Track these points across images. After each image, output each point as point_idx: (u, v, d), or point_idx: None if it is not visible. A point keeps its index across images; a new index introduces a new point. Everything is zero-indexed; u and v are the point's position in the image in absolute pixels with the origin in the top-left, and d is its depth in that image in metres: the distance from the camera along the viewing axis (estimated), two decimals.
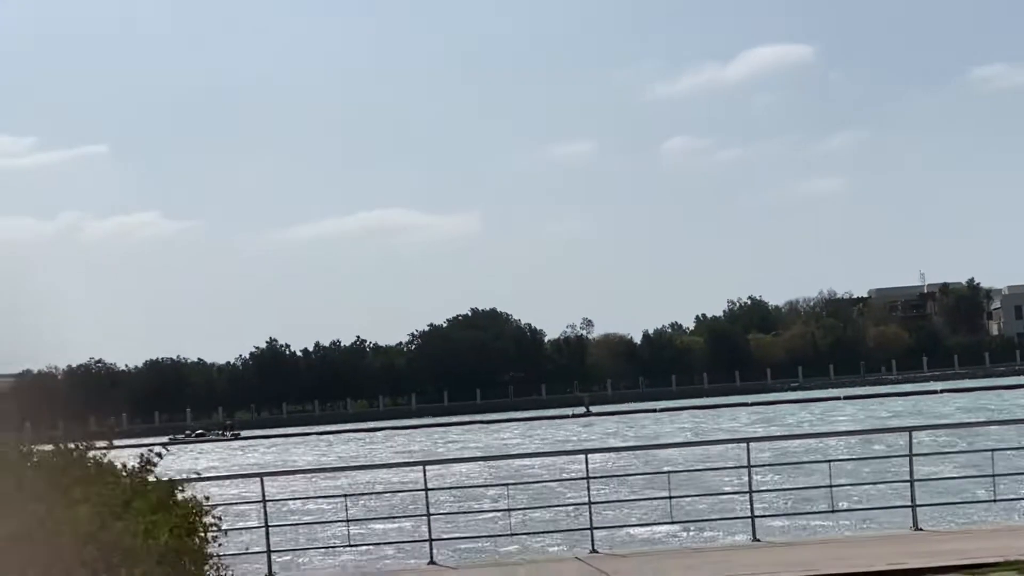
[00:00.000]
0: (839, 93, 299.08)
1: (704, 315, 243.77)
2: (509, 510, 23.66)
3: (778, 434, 67.96)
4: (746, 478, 21.44)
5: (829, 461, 23.06)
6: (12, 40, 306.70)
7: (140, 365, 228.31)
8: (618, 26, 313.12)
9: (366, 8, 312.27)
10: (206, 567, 12.97)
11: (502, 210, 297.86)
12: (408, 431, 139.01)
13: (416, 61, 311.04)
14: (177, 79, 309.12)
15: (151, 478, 14.30)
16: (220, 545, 14.04)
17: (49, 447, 15.16)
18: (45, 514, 10.77)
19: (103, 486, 13.18)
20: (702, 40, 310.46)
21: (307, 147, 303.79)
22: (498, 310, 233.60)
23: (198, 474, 17.12)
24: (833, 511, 23.51)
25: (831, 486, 22.76)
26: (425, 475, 21.51)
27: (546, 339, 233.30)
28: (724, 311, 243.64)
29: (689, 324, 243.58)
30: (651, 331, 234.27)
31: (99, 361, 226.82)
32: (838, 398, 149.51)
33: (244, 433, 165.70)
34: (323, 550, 26.09)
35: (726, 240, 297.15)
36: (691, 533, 28.23)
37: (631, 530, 27.13)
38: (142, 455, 14.16)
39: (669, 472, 24.53)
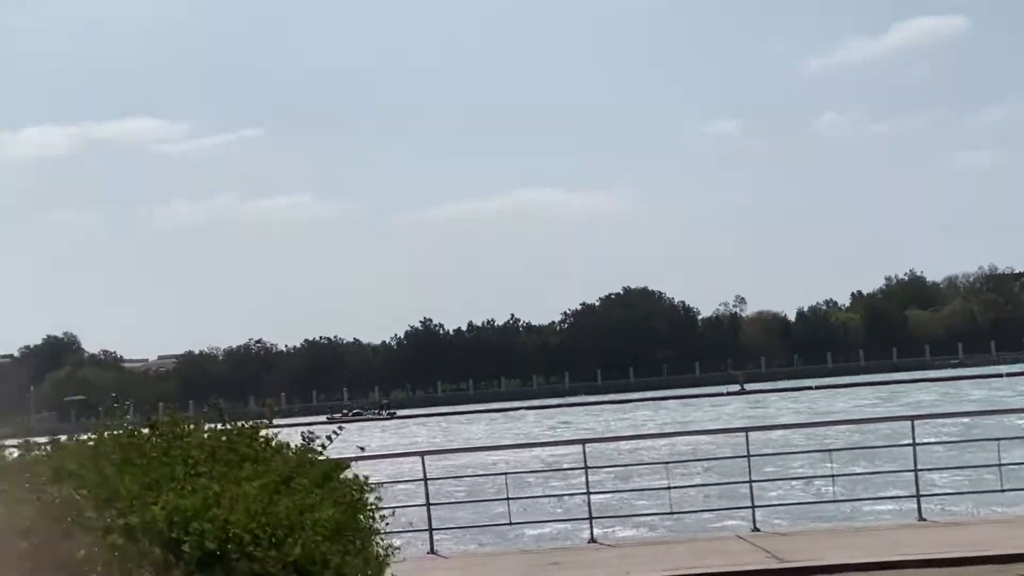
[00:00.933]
0: (993, 64, 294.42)
1: (860, 292, 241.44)
2: (669, 488, 23.49)
3: (946, 412, 66.09)
4: (911, 456, 21.12)
5: (998, 440, 22.37)
6: (168, 28, 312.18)
7: (297, 345, 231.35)
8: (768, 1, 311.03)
9: None
10: (371, 544, 13.02)
11: (651, 187, 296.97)
12: (562, 409, 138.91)
13: (563, 39, 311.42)
14: (327, 62, 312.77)
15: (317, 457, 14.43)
16: (387, 524, 14.10)
17: (215, 426, 15.38)
18: (220, 491, 10.91)
19: (268, 464, 13.33)
20: (855, 13, 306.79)
21: (457, 128, 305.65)
22: (650, 288, 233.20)
23: (362, 449, 17.15)
24: (1003, 490, 22.90)
25: (1000, 464, 22.23)
26: (585, 453, 21.46)
27: (699, 317, 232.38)
28: (880, 287, 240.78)
29: (844, 301, 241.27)
30: (805, 308, 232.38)
31: (258, 342, 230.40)
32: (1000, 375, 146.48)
33: (399, 412, 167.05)
34: (484, 528, 26.11)
35: (881, 215, 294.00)
36: (851, 510, 27.72)
37: (792, 508, 26.71)
38: (303, 434, 14.29)
39: (831, 450, 24.22)
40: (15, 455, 11.77)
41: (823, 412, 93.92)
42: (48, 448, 12.37)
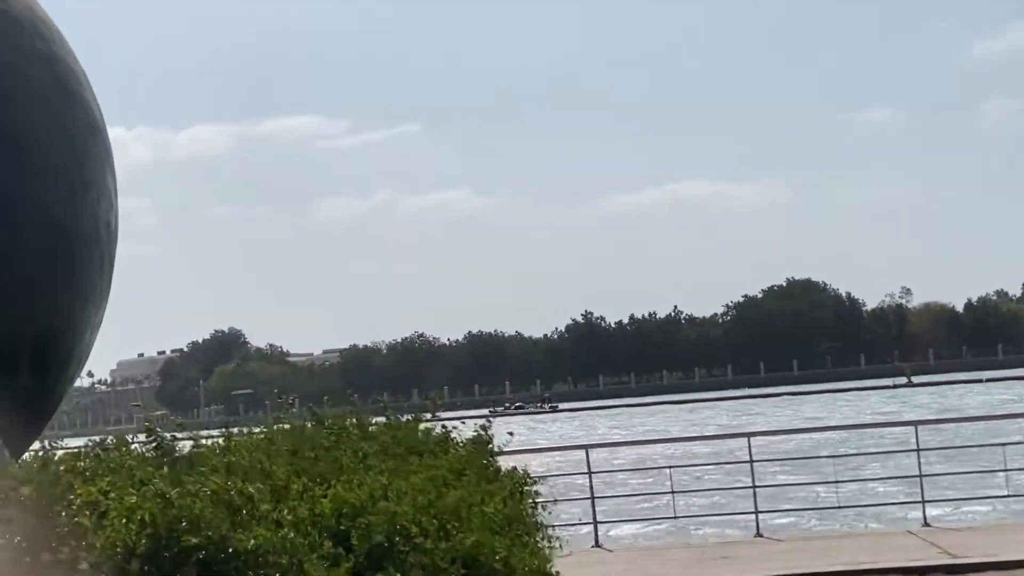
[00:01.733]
0: None
1: None
2: (836, 482, 23.21)
3: None
4: None
5: None
6: (327, 26, 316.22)
7: (460, 339, 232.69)
8: None
9: None
10: (537, 536, 13.03)
11: (810, 177, 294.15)
12: (724, 402, 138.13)
13: (722, 29, 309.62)
14: (481, 60, 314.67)
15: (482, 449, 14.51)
16: (550, 514, 14.11)
17: (381, 419, 15.51)
18: (387, 481, 11.01)
19: (435, 457, 13.42)
20: None
21: (612, 122, 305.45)
22: (813, 279, 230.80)
23: (511, 435, 17.16)
24: None
25: None
26: (750, 446, 21.28)
27: (864, 309, 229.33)
28: None
29: (1016, 291, 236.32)
30: (974, 299, 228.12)
31: (421, 336, 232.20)
32: None
33: (561, 405, 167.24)
34: (647, 522, 26.02)
35: None
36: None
37: (965, 505, 26.11)
38: (479, 427, 14.39)
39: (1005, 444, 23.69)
40: (187, 447, 11.98)
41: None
42: (219, 441, 12.59)
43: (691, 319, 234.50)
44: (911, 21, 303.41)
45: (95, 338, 14.25)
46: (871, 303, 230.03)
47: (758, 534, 20.45)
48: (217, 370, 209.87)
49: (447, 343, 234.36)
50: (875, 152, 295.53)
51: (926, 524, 19.85)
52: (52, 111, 13.06)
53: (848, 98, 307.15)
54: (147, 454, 11.65)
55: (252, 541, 9.41)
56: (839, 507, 23.90)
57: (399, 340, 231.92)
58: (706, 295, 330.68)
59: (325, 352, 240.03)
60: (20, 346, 12.70)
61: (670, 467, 23.76)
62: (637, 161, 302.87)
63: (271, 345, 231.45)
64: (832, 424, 64.50)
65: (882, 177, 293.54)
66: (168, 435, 12.09)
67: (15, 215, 12.45)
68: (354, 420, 14.88)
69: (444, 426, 15.54)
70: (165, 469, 10.54)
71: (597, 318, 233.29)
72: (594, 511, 20.80)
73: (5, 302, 12.40)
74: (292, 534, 9.77)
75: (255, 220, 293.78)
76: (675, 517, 23.41)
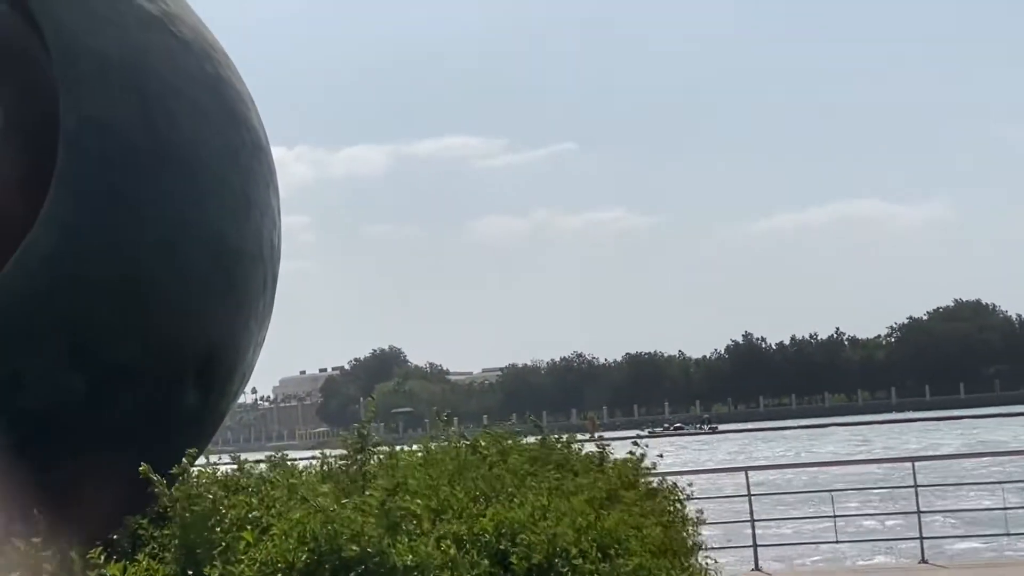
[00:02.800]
0: None
1: None
2: (1005, 509, 22.73)
3: None
4: None
5: None
6: (484, 48, 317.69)
7: (618, 359, 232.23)
8: None
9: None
10: (693, 558, 12.98)
11: (978, 195, 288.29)
12: (889, 425, 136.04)
13: (878, 51, 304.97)
14: (636, 78, 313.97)
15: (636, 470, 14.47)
16: (701, 536, 14.04)
17: (536, 439, 15.55)
18: (546, 501, 11.03)
19: (594, 477, 13.42)
20: None
21: (770, 141, 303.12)
22: (983, 301, 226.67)
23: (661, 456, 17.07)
24: None
25: None
26: (914, 471, 20.98)
27: None
28: None
29: None
30: None
31: (579, 355, 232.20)
32: None
33: (720, 426, 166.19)
34: (808, 544, 25.72)
35: None
36: None
37: None
38: (633, 444, 14.35)
39: None
40: (350, 464, 12.09)
41: None
42: (383, 458, 12.71)
43: (854, 340, 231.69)
44: None
45: (258, 355, 14.44)
46: None
47: (923, 560, 20.16)
48: (377, 388, 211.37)
49: (606, 363, 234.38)
50: None
51: None
52: (219, 132, 13.28)
53: (1017, 113, 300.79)
54: (311, 471, 11.83)
55: (410, 556, 9.50)
56: (1007, 534, 23.43)
57: (558, 359, 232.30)
58: (869, 316, 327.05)
59: (484, 371, 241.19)
60: (185, 364, 12.90)
61: (831, 491, 23.53)
62: (800, 180, 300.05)
63: (431, 364, 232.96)
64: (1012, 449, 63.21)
65: None
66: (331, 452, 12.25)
67: (183, 234, 12.66)
68: (512, 440, 14.94)
69: (600, 446, 15.54)
70: (328, 486, 10.68)
71: (757, 339, 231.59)
72: (754, 534, 20.66)
73: (172, 320, 12.61)
74: (452, 551, 9.84)
75: (412, 238, 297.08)
76: (836, 542, 23.16)
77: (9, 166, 12.64)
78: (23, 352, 11.85)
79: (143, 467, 10.66)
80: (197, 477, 11.14)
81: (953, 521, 27.51)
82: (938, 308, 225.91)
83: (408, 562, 9.48)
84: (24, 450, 11.81)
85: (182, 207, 12.65)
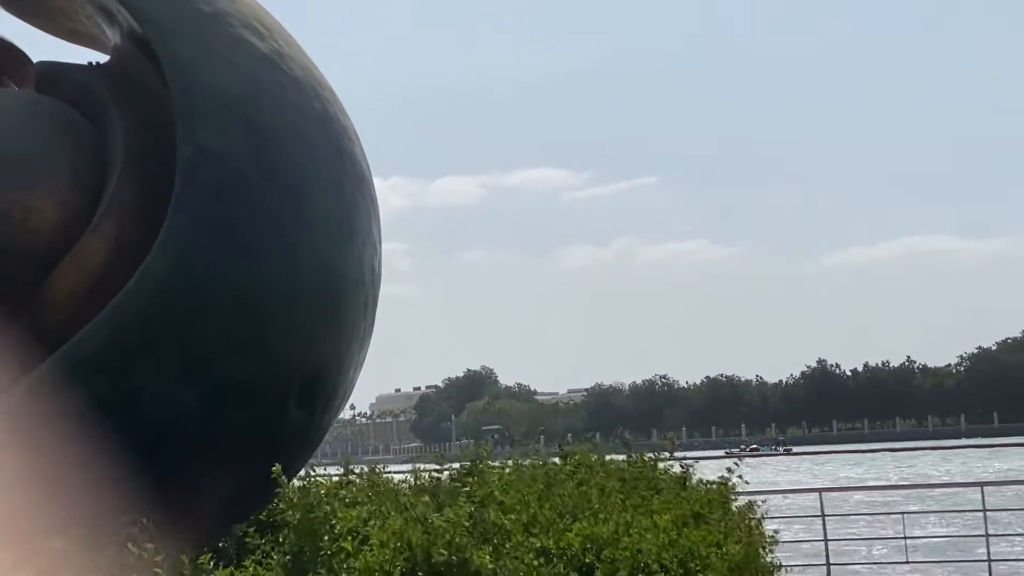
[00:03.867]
0: None
1: None
2: None
3: None
4: None
5: None
6: (573, 82, 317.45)
7: (698, 382, 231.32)
8: None
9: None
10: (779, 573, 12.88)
11: None
12: (957, 451, 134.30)
13: (944, 89, 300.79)
14: (716, 116, 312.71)
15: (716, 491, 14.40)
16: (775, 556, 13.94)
17: (622, 457, 15.52)
18: (630, 518, 11.02)
19: (678, 495, 13.38)
20: None
21: (843, 174, 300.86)
22: None
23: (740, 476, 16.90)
24: None
25: None
26: (983, 495, 20.73)
27: None
28: None
29: None
30: None
31: (663, 377, 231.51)
32: None
33: (795, 448, 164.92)
34: (880, 565, 25.47)
35: None
36: None
37: None
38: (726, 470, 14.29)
39: None
40: (444, 478, 12.14)
41: None
42: (473, 475, 12.73)
43: (925, 369, 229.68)
44: None
45: (358, 374, 14.49)
46: None
47: None
48: (468, 406, 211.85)
49: (686, 385, 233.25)
50: None
51: None
52: (325, 165, 13.39)
53: None
54: (408, 484, 11.89)
55: (495, 565, 9.51)
56: None
57: (640, 381, 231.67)
58: (940, 346, 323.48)
59: (570, 391, 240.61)
60: (291, 382, 12.99)
61: (904, 513, 23.32)
62: (873, 213, 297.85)
63: (519, 384, 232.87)
64: None
65: None
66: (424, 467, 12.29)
67: (291, 261, 12.76)
68: (597, 457, 14.94)
69: (682, 465, 15.48)
70: (426, 498, 10.73)
71: (832, 365, 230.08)
72: (827, 552, 20.46)
73: (279, 341, 12.71)
74: (538, 564, 9.85)
75: (502, 264, 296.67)
76: (907, 562, 22.93)
77: (129, 194, 12.76)
78: (140, 370, 11.97)
79: (276, 469, 10.76)
80: (316, 488, 11.19)
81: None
82: (1007, 339, 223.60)
83: (494, 570, 9.51)
84: (139, 462, 11.91)
85: (290, 235, 12.75)
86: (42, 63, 14.41)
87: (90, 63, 14.41)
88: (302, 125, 13.26)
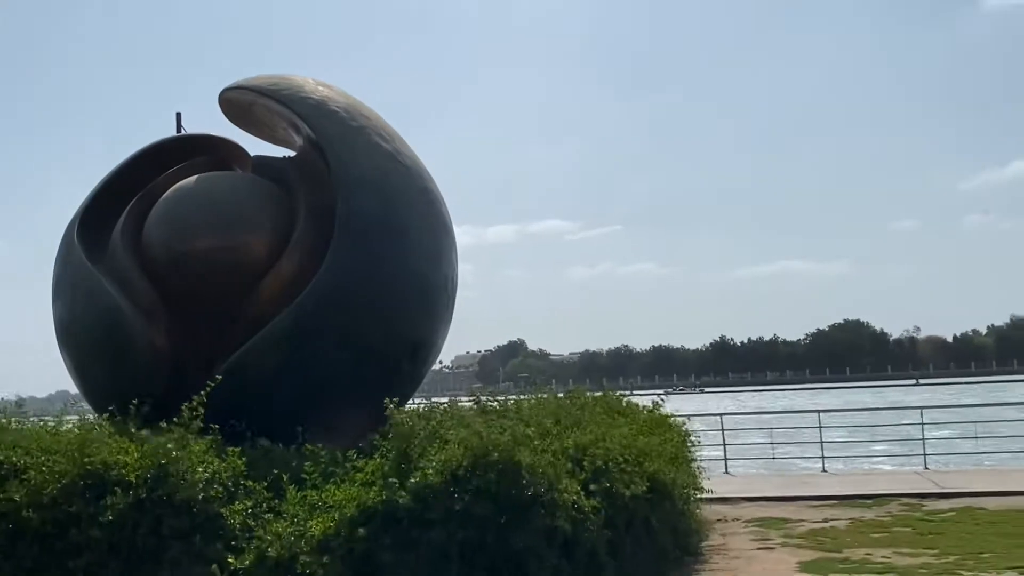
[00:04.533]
0: None
1: None
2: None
3: None
4: None
5: None
6: (568, 169, 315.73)
7: (648, 348, 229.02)
8: None
9: None
10: (692, 465, 12.79)
11: None
12: (809, 389, 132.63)
13: None
14: (651, 180, 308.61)
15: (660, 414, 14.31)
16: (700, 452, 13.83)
17: (599, 393, 15.36)
18: (604, 430, 10.96)
19: (632, 416, 13.32)
20: None
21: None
22: None
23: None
24: None
25: None
26: (819, 420, 20.37)
27: None
28: None
29: None
30: None
31: (626, 345, 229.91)
32: None
33: (707, 389, 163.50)
34: (757, 460, 25.13)
35: None
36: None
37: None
38: (653, 401, 14.22)
39: None
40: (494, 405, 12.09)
41: None
42: (511, 404, 12.69)
43: (784, 341, 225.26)
44: None
45: (444, 342, 14.44)
46: None
47: (823, 471, 19.80)
48: (510, 362, 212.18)
49: (640, 350, 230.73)
50: None
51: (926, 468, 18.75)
52: (423, 218, 13.36)
53: None
54: (470, 409, 11.87)
55: (527, 459, 9.50)
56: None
57: (612, 347, 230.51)
58: (792, 324, 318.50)
59: (570, 353, 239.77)
60: (404, 348, 13.00)
61: (771, 428, 23.17)
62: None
63: (540, 349, 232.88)
64: None
65: None
66: (483, 398, 12.29)
67: (403, 276, 12.78)
68: (587, 395, 14.84)
69: (656, 402, 15.26)
70: (482, 418, 10.72)
71: (728, 338, 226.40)
72: (725, 451, 20.36)
73: (397, 324, 12.73)
74: (551, 457, 9.83)
75: (530, 278, 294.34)
76: (773, 458, 22.81)
77: (307, 236, 12.81)
78: (312, 341, 12.01)
79: (387, 402, 10.78)
80: (409, 413, 11.09)
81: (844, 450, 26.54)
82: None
83: (527, 462, 9.49)
84: (313, 396, 11.97)
85: (402, 260, 12.78)
86: (257, 156, 14.50)
87: (285, 156, 14.49)
88: (410, 195, 13.28)
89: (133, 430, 10.49)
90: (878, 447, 25.16)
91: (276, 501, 9.99)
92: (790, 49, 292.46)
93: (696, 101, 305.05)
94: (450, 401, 12.80)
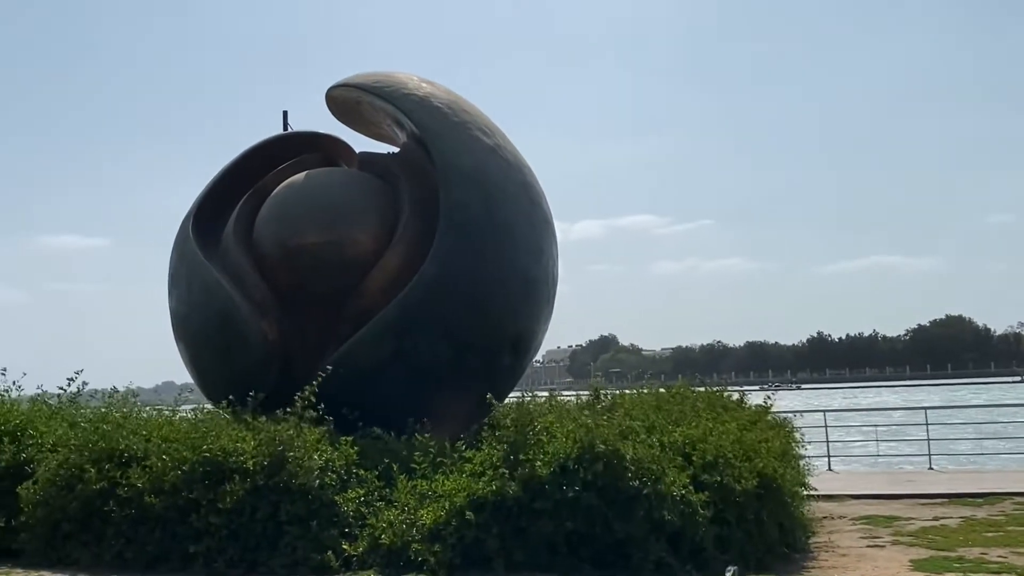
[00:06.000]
0: None
1: None
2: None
3: None
4: None
5: None
6: (654, 164, 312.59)
7: (741, 344, 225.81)
8: None
9: None
10: (798, 462, 12.59)
11: None
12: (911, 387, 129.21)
13: None
14: (745, 176, 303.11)
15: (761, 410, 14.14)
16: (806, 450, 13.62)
17: (701, 389, 15.22)
18: (711, 425, 10.91)
19: (739, 412, 13.18)
20: None
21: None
22: None
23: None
24: None
25: None
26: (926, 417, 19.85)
27: None
28: None
29: None
30: None
31: (719, 341, 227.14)
32: None
33: (804, 386, 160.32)
34: (860, 458, 24.61)
35: None
36: None
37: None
38: (766, 397, 14.06)
39: None
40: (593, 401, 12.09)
41: None
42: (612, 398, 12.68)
43: (883, 337, 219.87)
44: None
45: (544, 335, 14.46)
46: None
47: (930, 468, 19.31)
48: (601, 357, 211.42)
49: (733, 346, 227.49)
50: None
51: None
52: (525, 212, 13.41)
53: None
54: (577, 402, 11.92)
55: (634, 453, 9.53)
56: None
57: (704, 343, 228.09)
58: (892, 320, 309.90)
59: (663, 348, 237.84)
60: (505, 341, 13.06)
61: (875, 426, 22.68)
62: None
63: (632, 344, 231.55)
64: None
65: None
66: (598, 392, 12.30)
67: (506, 270, 12.85)
68: (691, 389, 14.69)
69: (740, 395, 15.17)
70: (588, 412, 10.76)
71: (825, 334, 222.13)
72: (828, 449, 20.01)
73: (499, 317, 12.81)
74: (657, 451, 9.84)
75: (618, 272, 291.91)
76: (878, 455, 22.35)
77: (411, 229, 13.00)
78: (416, 333, 12.19)
79: (489, 396, 10.87)
80: (522, 405, 11.14)
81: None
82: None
83: (632, 455, 9.53)
84: (416, 388, 12.15)
85: (506, 255, 12.84)
86: (363, 153, 14.79)
87: (389, 152, 14.73)
88: (511, 189, 13.33)
89: (249, 419, 10.83)
90: (986, 444, 24.29)
91: (387, 490, 10.22)
92: (878, 42, 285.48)
93: (786, 95, 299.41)
94: (550, 394, 12.86)
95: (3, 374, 13.18)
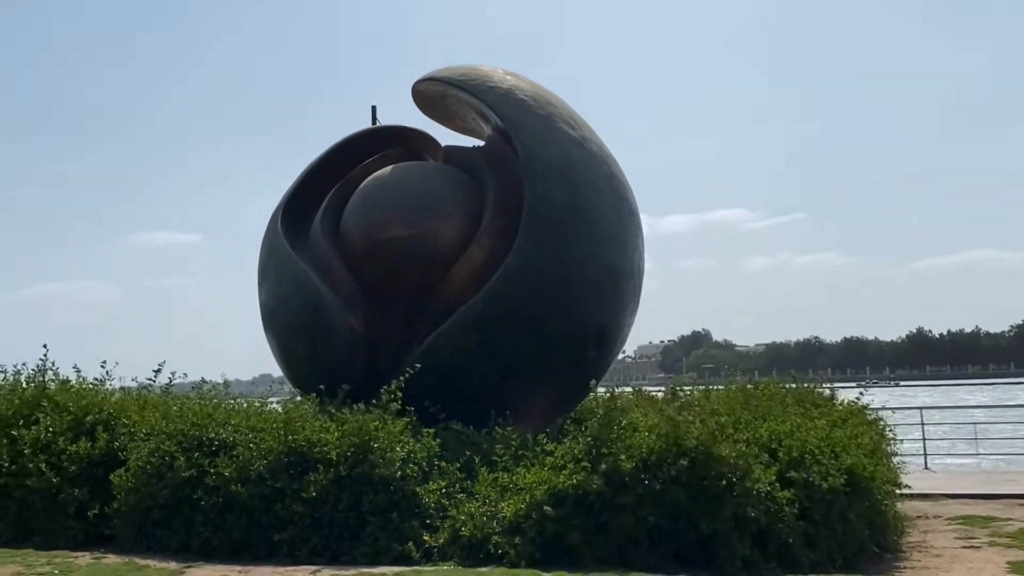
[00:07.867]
0: None
1: None
2: None
3: None
4: None
5: None
6: (747, 160, 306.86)
7: (839, 340, 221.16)
8: None
9: None
10: (891, 460, 12.18)
11: None
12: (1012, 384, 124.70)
13: None
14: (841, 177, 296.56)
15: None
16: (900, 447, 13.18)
17: (793, 385, 14.82)
18: (799, 421, 10.63)
19: (828, 409, 12.83)
20: None
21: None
22: None
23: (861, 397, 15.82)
24: None
25: None
26: None
27: None
28: None
29: None
30: None
31: (816, 337, 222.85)
32: None
33: (901, 383, 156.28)
34: (958, 455, 23.83)
35: None
36: None
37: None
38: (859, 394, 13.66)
39: None
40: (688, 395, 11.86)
41: None
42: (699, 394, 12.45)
43: (986, 333, 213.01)
44: None
45: (629, 331, 14.30)
46: None
47: None
48: (693, 353, 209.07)
49: (829, 342, 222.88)
50: None
51: None
52: (611, 205, 13.27)
53: None
54: (658, 397, 11.75)
55: (719, 449, 9.33)
56: None
57: (800, 339, 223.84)
58: (996, 316, 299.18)
59: (756, 344, 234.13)
60: (589, 334, 12.94)
61: (974, 423, 21.90)
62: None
63: (725, 339, 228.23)
64: None
65: None
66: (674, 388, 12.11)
67: (592, 263, 12.73)
68: (780, 386, 14.37)
69: (832, 392, 14.78)
70: (672, 407, 10.57)
71: (926, 330, 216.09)
72: (925, 447, 19.39)
73: (584, 309, 12.68)
74: (743, 448, 9.62)
75: (708, 267, 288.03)
76: (977, 454, 21.57)
77: (496, 222, 12.96)
78: (500, 326, 12.13)
79: (592, 383, 10.68)
80: (613, 397, 10.96)
81: None
82: None
83: (723, 453, 9.32)
84: (503, 380, 12.12)
85: (588, 247, 12.72)
86: (448, 146, 14.82)
87: (474, 146, 14.72)
88: (596, 181, 13.20)
89: (333, 410, 10.92)
90: None
91: (468, 482, 10.20)
92: (975, 30, 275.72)
93: (880, 87, 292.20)
94: (635, 389, 12.68)
95: (102, 366, 13.50)
